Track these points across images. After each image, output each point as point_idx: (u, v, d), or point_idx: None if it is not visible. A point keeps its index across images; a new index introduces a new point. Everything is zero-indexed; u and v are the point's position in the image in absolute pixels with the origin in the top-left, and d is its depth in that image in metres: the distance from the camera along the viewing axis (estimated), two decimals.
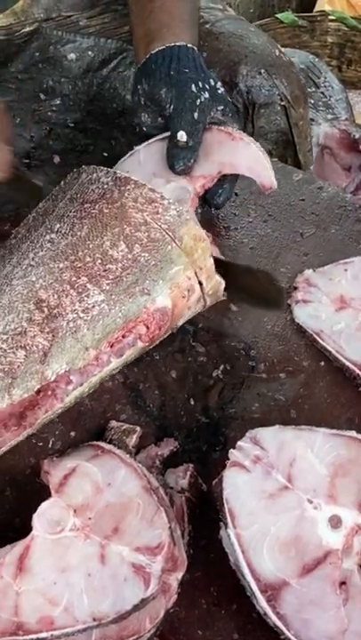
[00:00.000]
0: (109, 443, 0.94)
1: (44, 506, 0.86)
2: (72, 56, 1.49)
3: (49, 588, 0.80)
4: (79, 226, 0.98)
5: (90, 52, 1.49)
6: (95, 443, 0.94)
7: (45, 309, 0.91)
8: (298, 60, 2.01)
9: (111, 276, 0.94)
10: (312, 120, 1.84)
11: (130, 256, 0.95)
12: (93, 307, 0.92)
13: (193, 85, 1.12)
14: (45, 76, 1.46)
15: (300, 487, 0.86)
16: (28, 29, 1.49)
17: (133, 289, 0.94)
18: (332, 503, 0.85)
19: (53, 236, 0.98)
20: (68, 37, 1.51)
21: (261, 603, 0.80)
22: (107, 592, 0.79)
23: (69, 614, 0.79)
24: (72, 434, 1.00)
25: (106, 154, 1.37)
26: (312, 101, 1.90)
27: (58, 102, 1.43)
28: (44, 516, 0.85)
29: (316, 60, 2.07)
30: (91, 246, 0.96)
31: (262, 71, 1.47)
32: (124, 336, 0.93)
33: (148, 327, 0.95)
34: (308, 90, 1.92)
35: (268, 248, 1.22)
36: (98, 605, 0.79)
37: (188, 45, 1.17)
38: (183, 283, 0.97)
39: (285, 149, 1.54)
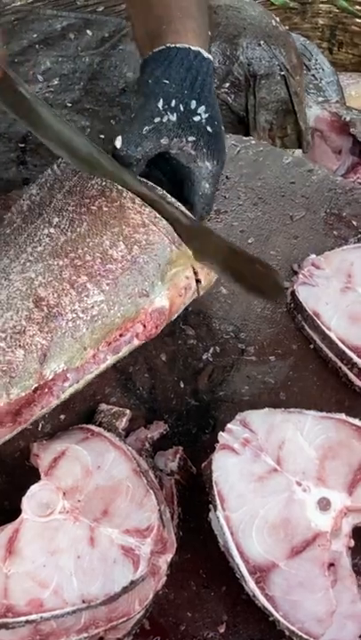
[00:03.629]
0: (99, 425, 0.94)
1: (33, 489, 0.86)
2: (70, 35, 1.48)
3: (38, 570, 0.81)
4: (79, 222, 0.97)
5: (88, 31, 1.47)
6: (85, 426, 0.95)
7: (45, 308, 0.91)
8: None
9: (111, 277, 0.93)
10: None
11: (129, 257, 0.95)
12: (93, 307, 0.92)
13: (162, 100, 1.01)
14: (43, 57, 1.45)
15: (289, 470, 0.87)
16: (18, 4, 1.48)
17: (133, 290, 0.94)
18: (321, 486, 0.86)
19: (52, 230, 0.97)
20: (66, 16, 1.50)
21: (250, 584, 0.81)
22: (96, 574, 0.80)
23: (59, 597, 0.79)
24: (62, 417, 1.00)
25: (102, 135, 1.36)
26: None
27: (56, 83, 1.42)
28: (33, 498, 0.85)
29: (308, 42, 2.05)
30: (90, 244, 0.95)
31: (262, 42, 1.47)
32: (121, 335, 0.94)
33: (145, 326, 0.95)
34: None
35: (258, 231, 1.21)
36: (87, 588, 0.79)
37: (192, 48, 1.04)
38: (181, 283, 0.97)
39: (285, 118, 1.55)
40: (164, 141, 1.01)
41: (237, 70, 1.48)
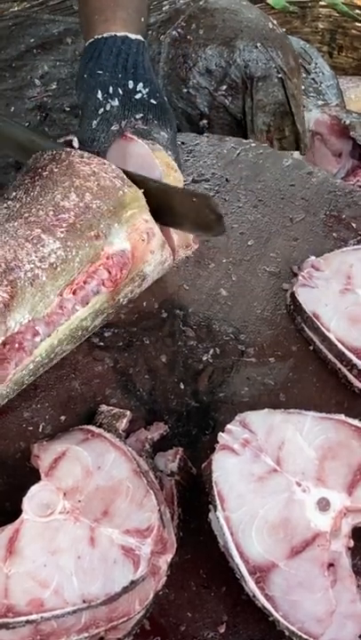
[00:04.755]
0: (99, 427, 0.95)
1: (33, 489, 0.86)
2: (68, 40, 1.48)
3: (39, 570, 0.81)
4: (32, 188, 0.99)
5: None
6: (85, 427, 0.95)
7: (2, 264, 0.91)
8: None
9: (65, 225, 0.94)
10: (303, 106, 1.84)
11: (82, 204, 0.96)
12: (50, 255, 0.92)
13: (100, 91, 1.06)
14: (41, 62, 1.45)
15: (288, 470, 0.87)
16: (16, 9, 1.48)
17: (89, 233, 0.95)
18: (320, 486, 0.86)
19: (10, 202, 0.99)
20: (63, 21, 1.50)
21: (250, 585, 0.81)
22: (96, 574, 0.80)
23: (59, 596, 0.79)
24: (62, 418, 1.01)
25: None
26: (303, 87, 1.90)
27: (54, 87, 1.43)
28: (33, 499, 0.85)
29: (308, 45, 2.06)
30: (43, 202, 0.96)
31: (258, 45, 1.48)
32: (85, 282, 0.94)
33: (109, 271, 0.95)
34: None
35: (258, 233, 1.22)
36: (88, 587, 0.79)
37: (118, 35, 1.09)
38: (140, 225, 0.98)
39: (283, 120, 1.55)
40: (114, 127, 1.05)
41: (234, 73, 1.49)
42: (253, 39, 1.49)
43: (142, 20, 1.15)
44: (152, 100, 1.07)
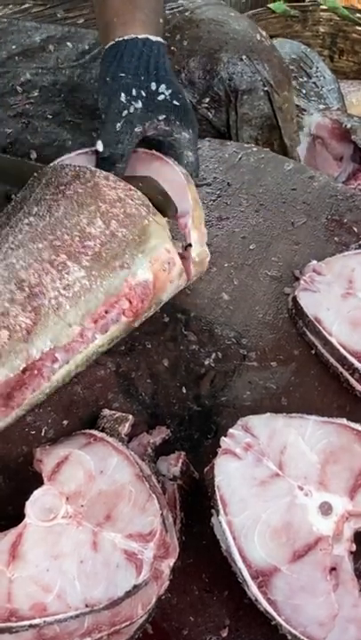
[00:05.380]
0: (102, 431, 0.95)
1: (36, 493, 0.86)
2: (50, 47, 1.48)
3: (42, 574, 0.81)
4: (55, 207, 0.99)
5: (69, 43, 1.47)
6: (88, 431, 0.95)
7: (26, 289, 0.91)
8: (290, 50, 2.01)
9: (90, 253, 0.95)
10: (304, 110, 1.84)
11: (107, 232, 0.96)
12: (74, 283, 0.93)
13: (123, 94, 1.07)
14: (23, 69, 1.45)
15: (290, 474, 0.87)
16: None
17: (113, 264, 0.95)
18: (322, 490, 0.86)
19: (32, 219, 0.98)
20: (46, 28, 1.50)
21: (253, 589, 0.81)
22: (99, 579, 0.80)
23: (62, 601, 0.79)
24: (65, 422, 1.01)
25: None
26: (304, 91, 1.90)
27: (35, 94, 1.42)
28: (36, 503, 0.86)
29: (308, 49, 2.07)
30: (68, 225, 0.97)
31: (243, 57, 1.47)
32: (106, 311, 0.95)
33: (130, 302, 0.96)
34: (300, 80, 1.92)
35: (260, 237, 1.22)
36: (90, 592, 0.79)
37: (139, 37, 1.10)
38: (163, 256, 0.98)
39: (271, 134, 1.54)
40: (138, 129, 1.07)
41: (217, 85, 1.48)
42: (238, 51, 1.47)
43: (160, 21, 1.16)
44: (175, 102, 1.09)
